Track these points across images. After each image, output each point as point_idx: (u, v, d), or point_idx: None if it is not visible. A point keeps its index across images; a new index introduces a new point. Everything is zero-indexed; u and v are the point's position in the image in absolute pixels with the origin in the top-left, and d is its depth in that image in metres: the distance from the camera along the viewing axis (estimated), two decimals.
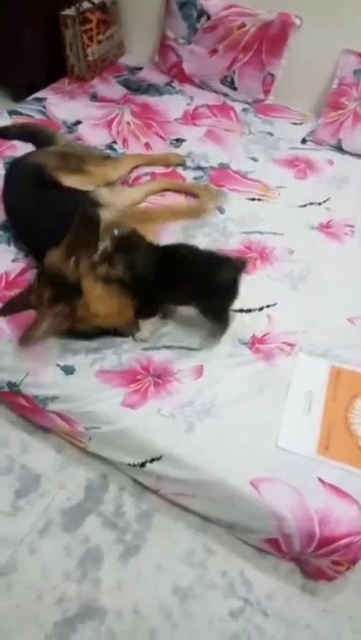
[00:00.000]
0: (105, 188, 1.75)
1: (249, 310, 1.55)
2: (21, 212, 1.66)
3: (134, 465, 1.35)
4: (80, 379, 1.39)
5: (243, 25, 2.27)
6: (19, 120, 2.18)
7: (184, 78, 2.50)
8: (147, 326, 1.45)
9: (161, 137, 2.18)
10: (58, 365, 1.41)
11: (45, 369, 1.41)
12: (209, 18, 2.32)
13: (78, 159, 1.79)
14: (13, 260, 1.62)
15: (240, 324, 1.49)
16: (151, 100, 2.39)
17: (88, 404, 1.36)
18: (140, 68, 2.61)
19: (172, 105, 2.36)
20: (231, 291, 1.37)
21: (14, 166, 1.77)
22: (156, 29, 2.57)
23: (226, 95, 2.44)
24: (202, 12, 2.33)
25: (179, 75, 2.50)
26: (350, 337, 1.52)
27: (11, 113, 2.21)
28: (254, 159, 2.12)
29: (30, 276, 1.57)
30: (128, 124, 2.23)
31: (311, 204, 1.95)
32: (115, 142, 2.12)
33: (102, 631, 1.24)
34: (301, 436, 1.30)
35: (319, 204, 1.96)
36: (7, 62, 2.55)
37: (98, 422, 1.35)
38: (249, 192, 1.97)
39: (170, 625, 1.26)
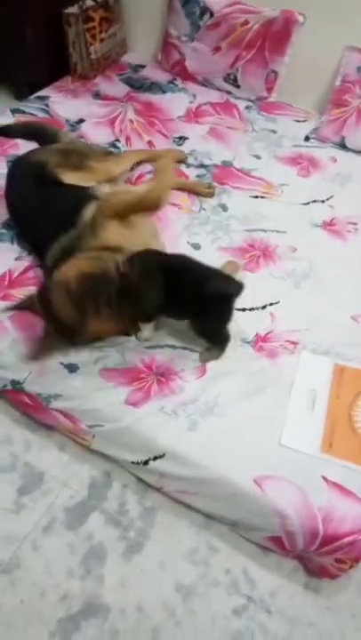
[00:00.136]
0: (106, 185, 1.75)
1: (252, 309, 1.55)
2: (23, 210, 1.66)
3: (137, 463, 1.35)
4: (83, 377, 1.39)
5: (246, 22, 2.26)
6: (22, 119, 2.18)
7: (187, 76, 2.49)
8: (147, 326, 1.45)
9: (164, 135, 2.18)
10: (61, 363, 1.41)
11: (49, 367, 1.41)
12: (212, 15, 2.32)
13: (80, 155, 1.78)
14: (17, 259, 1.62)
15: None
16: (154, 97, 2.39)
17: (91, 401, 1.36)
18: (142, 66, 2.61)
19: (175, 103, 2.36)
20: (224, 309, 1.36)
21: (16, 164, 1.78)
22: (159, 27, 2.57)
23: (229, 93, 2.44)
24: (205, 10, 2.32)
25: (182, 72, 2.50)
26: (354, 335, 1.52)
27: (14, 111, 2.21)
28: (257, 157, 2.12)
29: (33, 274, 1.57)
30: (131, 121, 2.23)
31: (314, 201, 1.95)
32: (118, 140, 2.12)
33: (106, 628, 1.24)
34: (305, 434, 1.30)
35: (322, 201, 1.95)
36: (10, 61, 2.55)
37: (101, 420, 1.35)
38: (252, 190, 1.97)
39: (173, 622, 1.26)
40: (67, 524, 1.39)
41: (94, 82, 2.48)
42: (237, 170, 2.05)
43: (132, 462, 1.36)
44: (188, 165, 2.04)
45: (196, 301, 1.33)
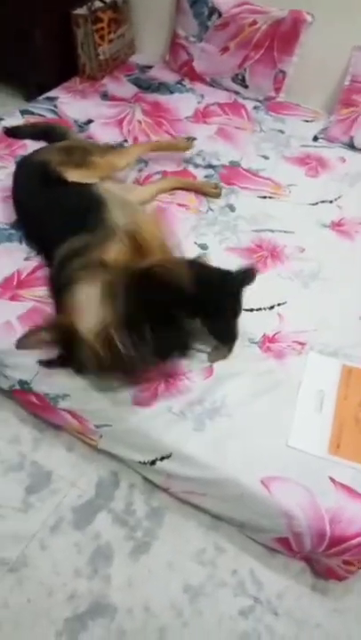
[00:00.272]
0: (109, 182, 1.74)
1: (260, 309, 1.54)
2: (28, 210, 1.67)
3: (144, 463, 1.35)
4: (91, 376, 1.39)
5: (254, 22, 2.26)
6: (30, 119, 2.19)
7: (195, 76, 2.49)
8: None
9: (172, 135, 2.18)
10: None
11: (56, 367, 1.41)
12: (220, 15, 2.32)
13: (82, 151, 1.77)
14: (26, 259, 1.63)
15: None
16: (162, 98, 2.39)
17: (99, 401, 1.36)
18: (150, 67, 2.61)
19: (183, 103, 2.36)
20: (234, 306, 1.34)
21: (21, 165, 1.78)
22: (167, 28, 2.58)
23: (237, 93, 2.44)
24: (213, 10, 2.32)
25: (189, 73, 2.50)
26: None
27: (23, 112, 2.22)
28: (265, 157, 2.12)
29: (42, 274, 1.58)
30: (139, 122, 2.23)
31: (323, 201, 1.94)
32: (126, 141, 2.12)
33: (112, 628, 1.24)
34: (312, 435, 1.29)
35: (331, 201, 1.95)
36: (19, 62, 2.57)
37: (108, 420, 1.36)
38: (260, 190, 1.96)
39: (180, 623, 1.26)
40: (74, 523, 1.39)
41: (102, 82, 2.49)
42: (245, 170, 2.05)
43: (140, 462, 1.36)
44: (196, 166, 2.04)
45: (208, 300, 1.31)
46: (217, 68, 2.42)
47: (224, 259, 1.63)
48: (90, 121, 2.21)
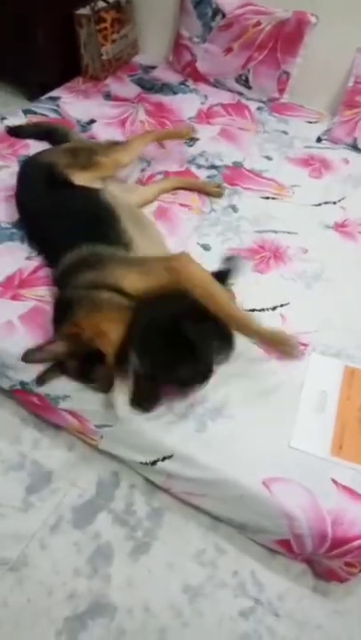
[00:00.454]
0: (114, 184, 1.75)
1: (262, 309, 1.54)
2: (33, 212, 1.67)
3: (146, 463, 1.35)
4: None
5: (258, 23, 2.26)
6: (33, 119, 2.19)
7: (198, 77, 2.50)
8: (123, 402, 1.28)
9: None
10: None
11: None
12: (224, 16, 2.32)
13: (87, 152, 1.77)
14: (27, 258, 1.63)
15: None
16: (165, 98, 2.39)
17: (99, 402, 1.36)
18: (154, 67, 2.62)
19: (186, 104, 2.37)
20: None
21: (26, 165, 1.78)
22: (171, 28, 2.58)
23: (240, 94, 2.44)
24: (217, 11, 2.33)
25: (193, 73, 2.50)
26: None
27: (25, 112, 2.23)
28: (269, 158, 2.12)
29: (43, 273, 1.57)
30: (142, 122, 2.23)
31: (326, 203, 1.94)
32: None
33: (112, 628, 1.24)
34: (315, 436, 1.29)
35: (334, 203, 1.94)
36: (22, 62, 2.57)
37: (109, 420, 1.35)
38: (263, 191, 1.96)
39: (180, 623, 1.26)
40: (74, 523, 1.39)
41: (105, 83, 2.49)
42: (248, 171, 2.04)
43: (141, 463, 1.36)
44: (199, 166, 2.04)
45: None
46: (220, 68, 2.42)
47: None
48: (92, 121, 2.22)
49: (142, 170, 1.98)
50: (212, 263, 1.49)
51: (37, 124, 2.15)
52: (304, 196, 1.95)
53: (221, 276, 1.42)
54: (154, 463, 1.33)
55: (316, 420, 1.32)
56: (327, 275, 1.67)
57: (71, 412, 1.41)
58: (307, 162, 2.12)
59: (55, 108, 2.28)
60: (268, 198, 1.94)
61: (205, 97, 2.42)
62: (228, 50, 2.36)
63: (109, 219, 1.53)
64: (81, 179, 1.67)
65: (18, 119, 2.17)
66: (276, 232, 1.79)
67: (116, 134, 2.15)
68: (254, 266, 1.67)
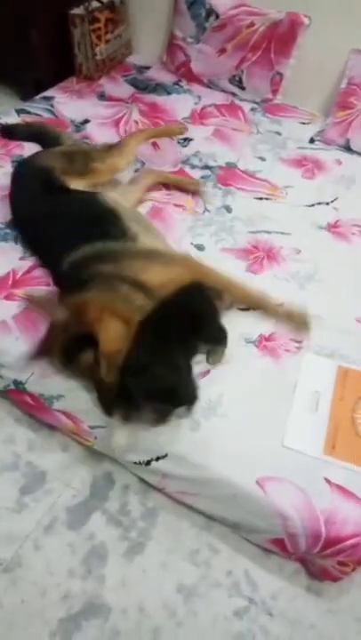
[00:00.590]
0: (113, 192, 1.73)
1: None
2: (28, 215, 1.66)
3: (140, 463, 1.35)
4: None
5: (252, 24, 2.26)
6: (27, 119, 2.18)
7: (192, 77, 2.50)
8: (123, 432, 1.27)
9: (170, 137, 2.17)
10: None
11: (51, 368, 1.41)
12: (218, 17, 2.32)
13: (84, 158, 1.76)
14: (21, 258, 1.62)
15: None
16: (159, 99, 2.39)
17: (94, 402, 1.36)
18: (148, 68, 2.61)
19: (180, 104, 2.36)
20: (207, 305, 1.34)
21: (21, 167, 1.77)
22: (165, 28, 2.58)
23: (234, 95, 2.44)
24: (210, 11, 2.33)
25: (187, 74, 2.50)
26: (358, 337, 1.51)
27: (19, 112, 2.22)
28: (262, 159, 2.12)
29: (37, 273, 1.57)
30: (136, 122, 2.23)
31: (319, 203, 1.95)
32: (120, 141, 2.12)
33: (106, 628, 1.24)
34: (308, 436, 1.29)
35: (327, 203, 1.95)
36: (15, 61, 2.56)
37: (103, 421, 1.35)
38: (256, 191, 1.96)
39: (174, 623, 1.26)
40: (68, 523, 1.39)
41: (99, 83, 2.48)
42: (242, 171, 2.05)
43: (135, 463, 1.36)
44: (193, 167, 2.04)
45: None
46: (214, 69, 2.43)
47: (220, 259, 1.63)
48: (86, 121, 2.21)
49: (136, 170, 1.98)
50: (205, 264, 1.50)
51: (30, 125, 2.14)
52: (297, 196, 1.96)
53: None
54: (148, 463, 1.33)
55: (310, 419, 1.32)
56: (320, 275, 1.67)
57: (65, 413, 1.41)
58: (300, 163, 2.13)
59: (49, 107, 2.27)
60: (261, 199, 1.94)
61: (199, 97, 2.42)
62: (222, 50, 2.36)
63: (111, 217, 1.53)
64: (78, 185, 1.67)
65: (11, 119, 2.16)
66: (269, 232, 1.80)
67: (110, 134, 2.15)
68: (248, 266, 1.67)
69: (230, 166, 2.07)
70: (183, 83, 2.51)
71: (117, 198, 1.67)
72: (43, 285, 1.53)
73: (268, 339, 1.48)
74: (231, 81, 2.41)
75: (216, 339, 1.41)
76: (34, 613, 1.25)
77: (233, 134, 2.23)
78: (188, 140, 2.16)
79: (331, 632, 1.27)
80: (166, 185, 1.94)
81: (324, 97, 2.37)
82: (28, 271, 1.58)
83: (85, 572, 1.32)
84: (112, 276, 1.33)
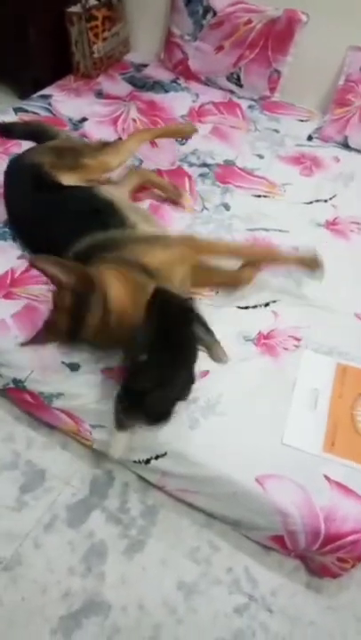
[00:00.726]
0: (108, 187, 1.72)
1: (255, 306, 1.55)
2: (20, 214, 1.65)
3: (139, 462, 1.35)
4: (85, 375, 1.39)
5: (249, 21, 2.26)
6: (24, 117, 2.18)
7: (190, 75, 2.49)
8: (121, 440, 1.29)
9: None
10: (63, 362, 1.41)
11: (50, 366, 1.41)
12: (215, 14, 2.32)
13: (73, 153, 1.73)
14: (19, 257, 1.62)
15: None
16: (157, 97, 2.39)
17: (93, 401, 1.36)
18: (145, 65, 2.61)
19: (178, 102, 2.36)
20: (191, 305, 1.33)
21: (13, 165, 1.74)
22: (162, 26, 2.57)
23: (232, 92, 2.44)
24: (208, 9, 2.32)
25: (184, 72, 2.50)
26: (357, 334, 1.52)
27: (16, 110, 2.21)
28: (260, 156, 2.12)
29: (36, 272, 1.56)
30: (134, 120, 2.23)
31: (317, 201, 1.95)
32: (120, 139, 2.11)
33: (107, 626, 1.24)
34: (307, 433, 1.30)
35: (325, 201, 1.95)
36: (13, 59, 2.56)
37: (103, 420, 1.35)
38: (254, 189, 1.97)
39: (174, 620, 1.26)
40: (68, 521, 1.39)
41: (97, 81, 2.48)
42: (240, 169, 2.05)
43: (134, 461, 1.36)
44: (191, 164, 2.04)
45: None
46: (212, 66, 2.42)
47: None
48: (84, 119, 2.21)
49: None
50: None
51: (27, 124, 2.13)
52: (295, 194, 1.96)
53: None
54: (147, 462, 1.33)
55: (309, 417, 1.33)
56: (319, 272, 1.67)
57: (65, 412, 1.41)
58: (298, 160, 2.13)
59: (47, 106, 2.27)
60: (259, 196, 1.94)
61: (197, 95, 2.42)
62: (220, 48, 2.36)
63: (110, 209, 1.53)
64: (69, 180, 1.65)
65: (9, 117, 2.16)
66: (267, 230, 1.80)
67: (108, 132, 2.15)
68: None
69: (228, 164, 2.06)
70: (181, 80, 2.50)
71: (113, 190, 1.66)
72: (42, 284, 1.53)
73: (266, 337, 1.48)
74: (229, 78, 2.41)
75: (203, 337, 1.42)
76: (34, 611, 1.26)
77: (231, 132, 2.23)
78: (185, 137, 2.16)
79: (330, 628, 1.28)
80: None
81: (321, 94, 2.37)
82: (27, 270, 1.58)
83: (85, 570, 1.32)
84: (115, 260, 1.35)
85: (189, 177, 1.98)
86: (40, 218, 1.56)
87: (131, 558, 1.34)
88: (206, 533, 1.39)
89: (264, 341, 1.47)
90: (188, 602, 1.29)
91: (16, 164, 1.73)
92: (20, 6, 2.35)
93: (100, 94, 2.40)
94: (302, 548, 1.24)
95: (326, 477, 1.22)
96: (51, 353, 1.41)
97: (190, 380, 1.25)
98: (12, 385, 1.46)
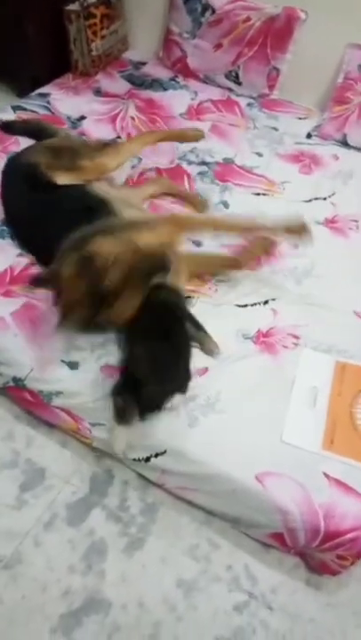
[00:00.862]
0: (103, 183, 1.72)
1: (254, 304, 1.55)
2: (16, 213, 1.65)
3: (139, 460, 1.35)
4: (85, 374, 1.39)
5: (248, 19, 2.26)
6: (23, 115, 2.17)
7: (188, 73, 2.49)
8: (122, 435, 1.29)
9: None
10: (62, 361, 1.41)
11: (50, 364, 1.41)
12: (214, 12, 2.31)
13: (71, 154, 1.72)
14: (18, 255, 1.62)
15: None
16: (155, 95, 2.38)
17: (93, 399, 1.36)
18: (144, 63, 2.60)
19: (177, 100, 2.36)
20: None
21: (10, 164, 1.73)
22: (161, 24, 2.57)
23: (230, 90, 2.43)
24: (206, 6, 2.32)
25: (183, 69, 2.50)
26: (356, 332, 1.52)
27: (15, 108, 2.21)
28: (259, 154, 2.12)
29: (35, 270, 1.57)
30: (132, 118, 2.22)
31: (316, 199, 1.95)
32: (119, 137, 2.12)
33: (107, 624, 1.25)
34: (306, 431, 1.30)
35: (324, 199, 1.95)
36: (11, 58, 2.55)
37: (102, 419, 1.35)
38: (254, 187, 1.96)
39: (174, 618, 1.26)
40: (68, 520, 1.39)
41: (95, 79, 2.47)
42: (239, 167, 2.05)
43: (134, 459, 1.36)
44: (190, 162, 2.03)
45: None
46: (210, 64, 2.42)
47: None
48: (82, 117, 2.20)
49: (133, 167, 1.97)
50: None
51: (27, 121, 2.13)
52: (294, 192, 1.96)
53: None
54: (147, 460, 1.33)
55: (308, 414, 1.33)
56: (318, 270, 1.67)
57: (64, 410, 1.41)
58: (297, 158, 2.12)
59: (45, 104, 2.26)
60: (258, 194, 1.94)
61: (195, 93, 2.41)
62: (218, 46, 2.35)
63: (102, 205, 1.52)
64: (64, 180, 1.64)
65: (7, 115, 2.15)
66: None
67: (106, 130, 2.15)
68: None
69: (227, 162, 2.06)
70: (179, 78, 2.50)
71: (109, 188, 1.66)
72: None
73: (265, 335, 1.49)
74: (228, 76, 2.41)
75: (193, 334, 1.43)
76: (34, 609, 1.26)
77: (230, 130, 2.22)
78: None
79: (330, 625, 1.28)
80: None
81: (320, 92, 2.36)
82: (26, 268, 1.58)
83: (85, 568, 1.32)
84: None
85: (188, 175, 1.98)
86: (34, 217, 1.56)
87: (131, 556, 1.34)
88: (206, 531, 1.39)
89: (263, 339, 1.48)
90: (187, 599, 1.29)
91: (13, 164, 1.73)
92: (18, 4, 2.34)
93: (98, 92, 2.39)
94: (302, 546, 1.24)
95: (326, 475, 1.22)
96: (50, 351, 1.41)
97: (187, 375, 1.27)
98: (11, 383, 1.46)
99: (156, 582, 1.31)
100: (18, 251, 1.63)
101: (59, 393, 1.40)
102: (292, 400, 1.35)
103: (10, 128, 2.05)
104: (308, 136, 2.25)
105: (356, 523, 1.16)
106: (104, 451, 1.44)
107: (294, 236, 1.55)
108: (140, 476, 1.43)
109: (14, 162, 1.73)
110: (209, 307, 1.52)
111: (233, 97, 2.41)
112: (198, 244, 1.71)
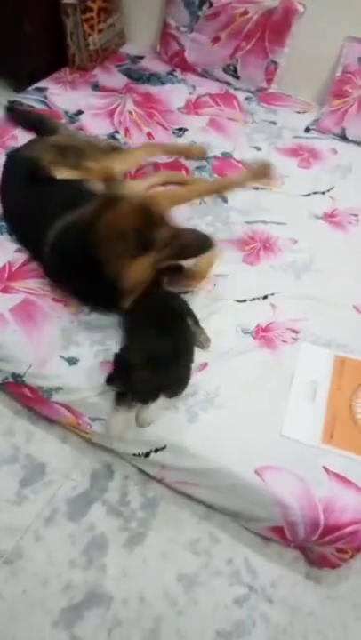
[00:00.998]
0: (100, 183, 1.71)
1: (253, 299, 1.55)
2: (13, 208, 1.65)
3: (139, 455, 1.35)
4: (84, 369, 1.39)
5: (245, 12, 2.24)
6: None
7: (186, 67, 2.48)
8: (151, 410, 1.30)
9: (163, 126, 2.16)
10: (61, 357, 1.41)
11: (49, 360, 1.41)
12: (211, 5, 2.30)
13: (78, 153, 1.72)
14: (17, 251, 1.61)
15: None
16: (153, 89, 2.37)
17: (92, 394, 1.36)
18: (141, 57, 2.59)
19: (175, 94, 2.35)
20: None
21: (10, 158, 1.73)
22: (158, 18, 2.55)
23: (228, 84, 2.42)
24: (204, 0, 2.30)
25: (181, 63, 2.48)
26: (355, 326, 1.52)
27: (12, 103, 2.19)
28: (257, 148, 2.11)
29: (33, 266, 1.57)
30: (130, 113, 2.21)
31: (315, 193, 1.94)
32: (117, 132, 2.11)
33: (108, 618, 1.25)
34: (306, 425, 1.30)
35: (323, 193, 1.95)
36: (8, 52, 2.53)
37: (102, 413, 1.35)
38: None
39: (175, 612, 1.27)
40: (68, 515, 1.40)
41: (93, 73, 2.46)
42: (237, 161, 2.04)
43: (134, 454, 1.36)
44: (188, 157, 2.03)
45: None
46: (208, 58, 2.41)
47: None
48: (80, 112, 2.19)
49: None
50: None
51: (29, 112, 2.12)
52: (293, 186, 1.95)
53: None
54: (147, 455, 1.34)
55: (308, 408, 1.33)
56: (317, 265, 1.67)
57: (64, 405, 1.41)
58: (296, 152, 2.12)
59: (42, 99, 2.25)
60: (257, 189, 1.93)
61: (193, 87, 2.40)
62: (216, 39, 2.34)
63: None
64: (66, 177, 1.64)
65: (4, 110, 2.14)
66: (265, 222, 1.79)
67: (104, 125, 2.13)
68: (244, 257, 1.67)
69: (226, 156, 2.06)
70: (177, 72, 2.49)
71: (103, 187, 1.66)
72: (39, 278, 1.53)
73: (265, 329, 1.49)
74: (225, 70, 2.40)
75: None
76: (35, 604, 1.26)
77: (228, 124, 2.22)
78: (182, 130, 2.15)
79: (330, 618, 1.29)
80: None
81: (319, 85, 2.36)
82: (24, 264, 1.58)
83: (86, 563, 1.33)
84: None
85: (186, 169, 1.98)
86: (29, 211, 1.55)
87: (131, 551, 1.35)
88: (206, 525, 1.40)
89: (262, 334, 1.48)
90: (188, 593, 1.30)
91: (13, 157, 1.73)
92: (17, 1, 2.32)
93: (95, 87, 2.38)
94: (302, 539, 1.25)
95: (325, 469, 1.23)
96: (49, 347, 1.41)
97: (185, 375, 1.29)
98: (11, 379, 1.46)
99: (156, 576, 1.32)
100: (16, 246, 1.62)
101: (58, 389, 1.40)
102: (291, 394, 1.35)
103: (13, 112, 2.07)
104: (307, 130, 2.25)
105: (356, 516, 1.17)
106: (104, 445, 1.44)
107: (263, 179, 1.69)
108: (141, 471, 1.44)
109: (16, 155, 1.73)
110: (208, 302, 1.52)
111: (231, 91, 2.40)
112: None
